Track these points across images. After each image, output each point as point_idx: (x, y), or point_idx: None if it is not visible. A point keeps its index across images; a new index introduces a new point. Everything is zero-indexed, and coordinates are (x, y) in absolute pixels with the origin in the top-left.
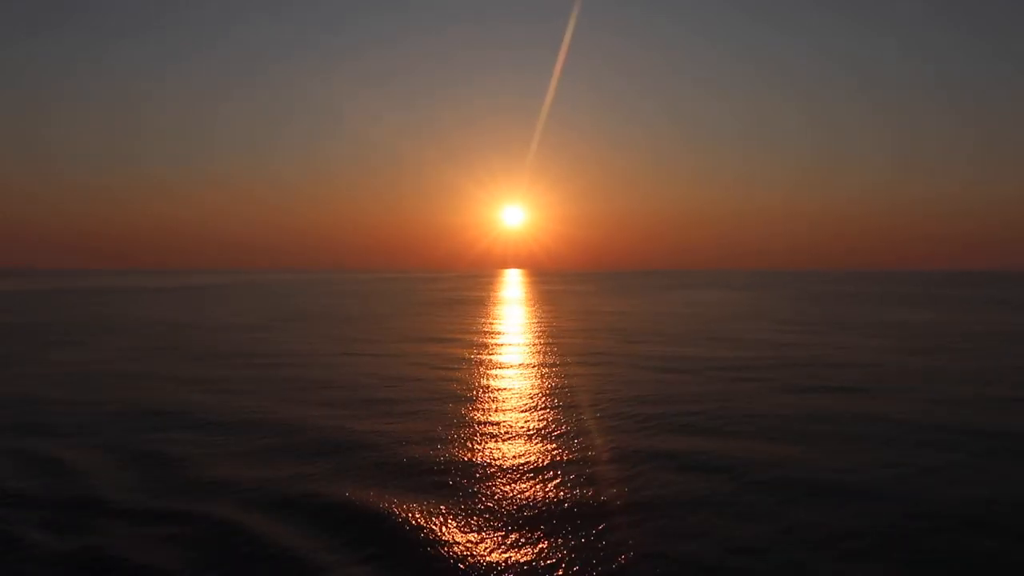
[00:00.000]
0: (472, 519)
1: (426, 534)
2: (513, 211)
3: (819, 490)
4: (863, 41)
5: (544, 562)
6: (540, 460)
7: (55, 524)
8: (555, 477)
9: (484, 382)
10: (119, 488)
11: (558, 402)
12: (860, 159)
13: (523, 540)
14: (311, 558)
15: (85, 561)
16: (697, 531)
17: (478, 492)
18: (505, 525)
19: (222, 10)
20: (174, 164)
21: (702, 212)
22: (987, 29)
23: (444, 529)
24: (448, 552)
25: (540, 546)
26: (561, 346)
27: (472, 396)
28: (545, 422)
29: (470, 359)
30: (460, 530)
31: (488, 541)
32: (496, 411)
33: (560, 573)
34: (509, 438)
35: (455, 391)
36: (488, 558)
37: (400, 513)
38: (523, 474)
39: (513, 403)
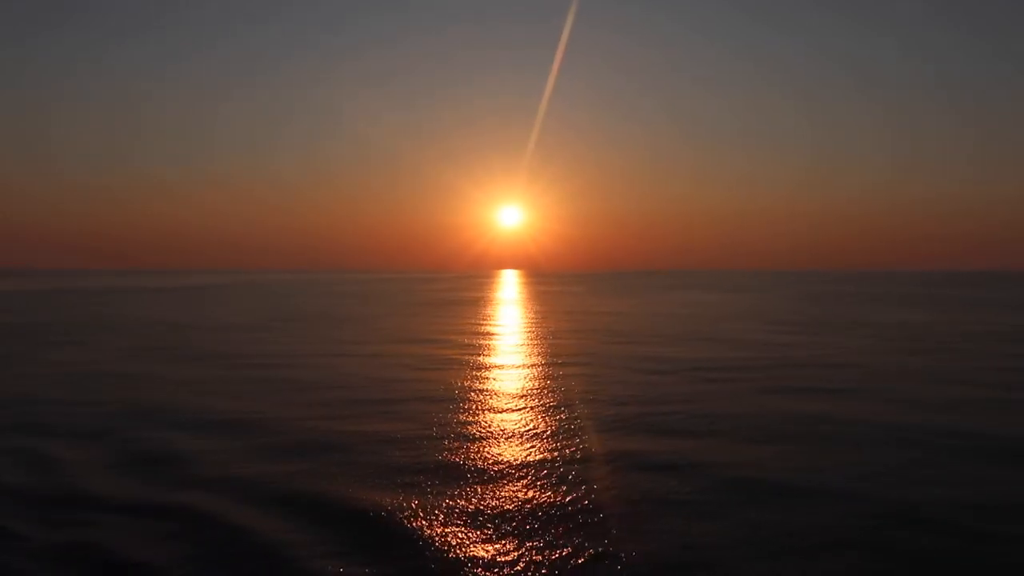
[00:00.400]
0: (436, 517)
1: (394, 530)
2: (510, 211)
3: (783, 490)
4: (862, 40)
5: (502, 560)
6: (508, 461)
7: (47, 519)
8: (522, 478)
9: (467, 384)
10: (111, 484)
11: (537, 404)
12: (860, 159)
13: (482, 538)
14: (285, 551)
15: (77, 555)
16: (658, 531)
17: (444, 492)
18: (465, 524)
19: (222, 10)
20: (174, 164)
21: (702, 212)
22: (987, 29)
23: (411, 526)
24: (412, 549)
25: (499, 545)
26: (549, 347)
27: (453, 397)
28: (520, 424)
29: (457, 361)
30: (426, 528)
31: (448, 539)
32: (473, 412)
33: (518, 570)
34: (480, 439)
35: (437, 393)
36: (448, 555)
37: (371, 509)
38: (488, 475)
39: (491, 404)
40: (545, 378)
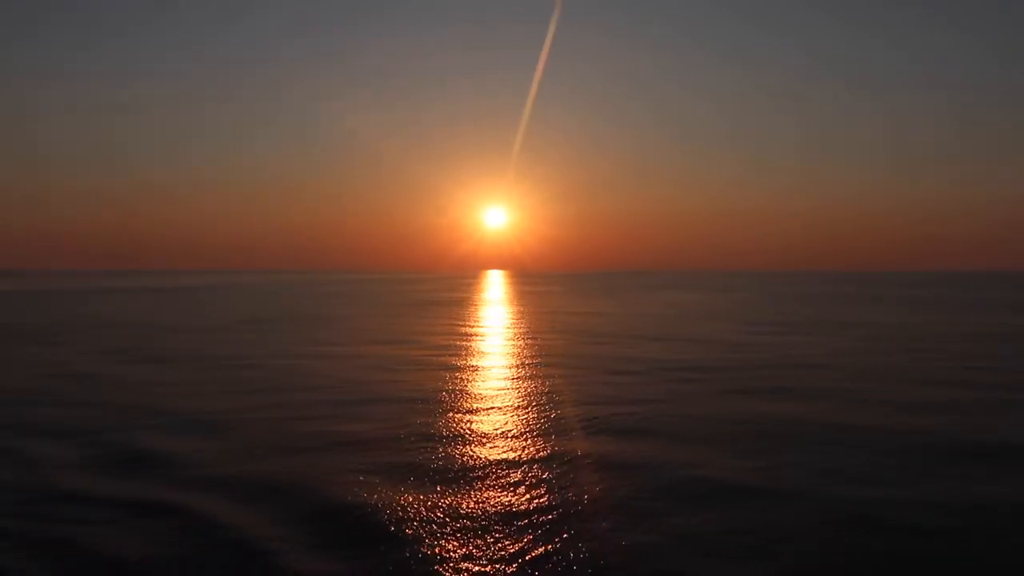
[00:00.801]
0: (384, 516)
1: (345, 530)
2: (496, 212)
3: (732, 491)
4: (852, 41)
5: (439, 564)
6: (458, 463)
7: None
8: (470, 479)
9: (435, 385)
10: (81, 479)
11: (501, 405)
12: (850, 160)
13: (417, 539)
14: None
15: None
16: (601, 531)
17: (395, 492)
18: (407, 523)
19: (205, 11)
20: (161, 165)
21: (690, 212)
22: (978, 28)
23: (362, 525)
24: (365, 547)
25: (437, 548)
26: (523, 348)
27: (418, 399)
28: (479, 425)
29: (429, 362)
30: (375, 527)
31: (392, 537)
32: (434, 414)
33: (451, 570)
34: (436, 440)
35: (402, 394)
36: (388, 552)
37: (323, 508)
38: (437, 476)
39: (455, 406)
40: (513, 379)
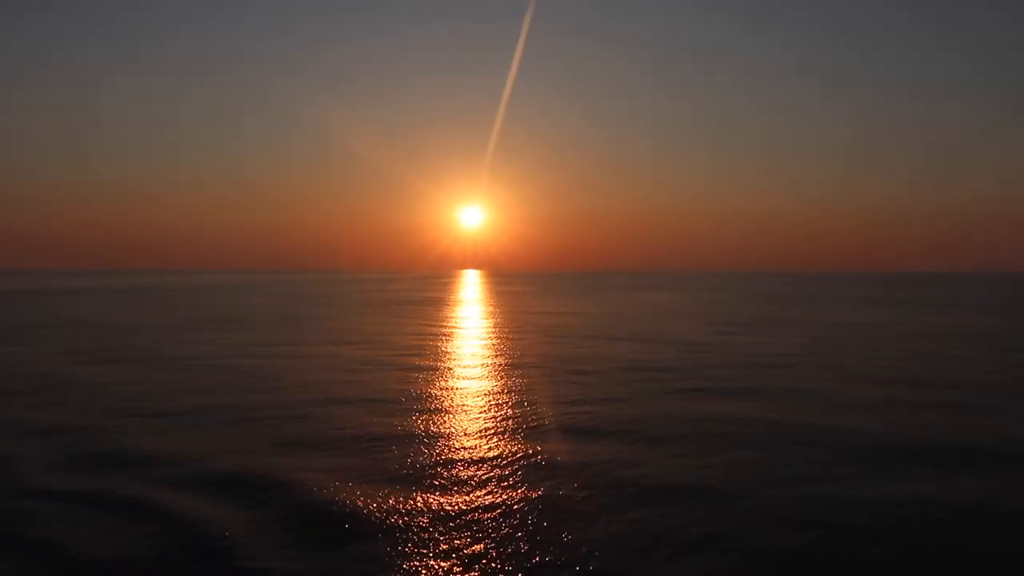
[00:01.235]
0: (319, 520)
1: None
2: (472, 212)
3: (667, 490)
4: (825, 42)
5: (370, 562)
6: (396, 465)
7: None
8: (407, 481)
9: (390, 386)
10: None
11: (450, 406)
12: (823, 160)
13: (347, 540)
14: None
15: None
16: (533, 532)
17: (334, 495)
18: (331, 527)
19: (174, 9)
20: (133, 164)
21: (667, 212)
22: (949, 28)
23: (303, 526)
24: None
25: (368, 548)
26: (487, 348)
27: (370, 399)
28: (429, 426)
29: (389, 363)
30: (314, 529)
31: (320, 541)
32: (386, 414)
33: (385, 571)
34: (383, 441)
35: (354, 394)
36: (301, 560)
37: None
38: (375, 477)
39: (408, 407)
40: (472, 380)
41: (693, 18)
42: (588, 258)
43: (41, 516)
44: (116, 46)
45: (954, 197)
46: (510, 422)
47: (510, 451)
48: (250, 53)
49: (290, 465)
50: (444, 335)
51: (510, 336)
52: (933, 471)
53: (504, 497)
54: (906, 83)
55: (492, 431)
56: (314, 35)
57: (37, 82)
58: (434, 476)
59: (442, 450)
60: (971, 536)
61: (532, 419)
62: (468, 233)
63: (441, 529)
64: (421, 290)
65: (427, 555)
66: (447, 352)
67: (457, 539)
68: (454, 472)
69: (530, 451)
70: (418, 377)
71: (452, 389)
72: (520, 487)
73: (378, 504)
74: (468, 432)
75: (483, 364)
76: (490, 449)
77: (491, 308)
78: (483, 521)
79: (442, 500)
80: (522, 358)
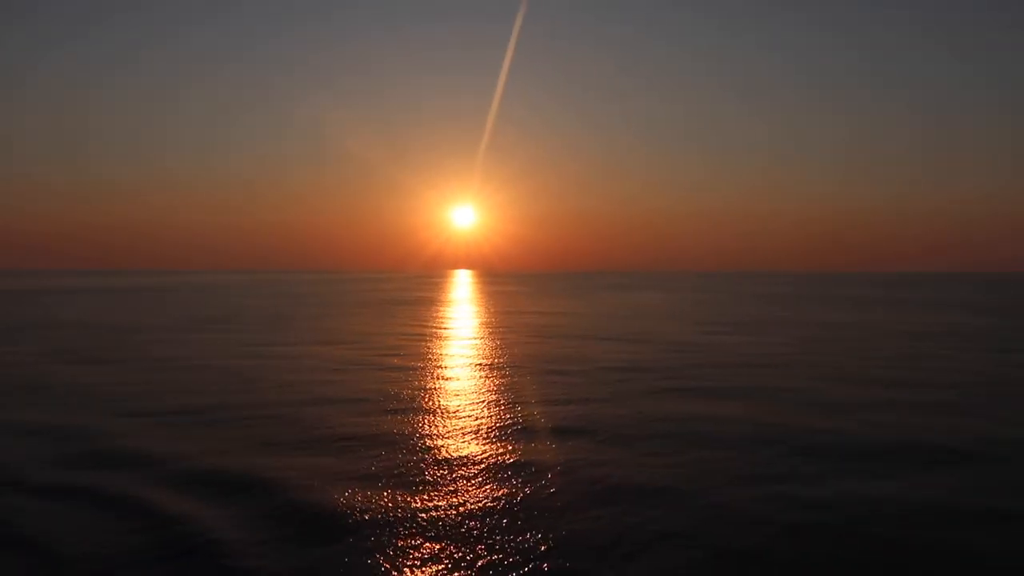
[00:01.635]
0: (282, 520)
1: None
2: (464, 212)
3: (629, 490)
4: (820, 44)
5: (325, 561)
6: (364, 466)
7: None
8: (375, 481)
9: (370, 387)
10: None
11: (427, 406)
12: (817, 161)
13: (323, 539)
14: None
15: None
16: (492, 533)
17: (302, 497)
18: (306, 525)
19: (168, 11)
20: (130, 164)
21: (659, 212)
22: (941, 30)
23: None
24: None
25: (330, 547)
26: (471, 348)
27: (346, 399)
28: (399, 427)
29: (371, 363)
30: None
31: (270, 543)
32: (360, 414)
33: (339, 571)
34: (354, 441)
35: (332, 395)
36: (263, 559)
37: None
38: (342, 478)
39: (383, 407)
40: (453, 380)
41: (685, 20)
42: (581, 258)
43: (17, 513)
44: (112, 47)
45: (953, 197)
46: (485, 422)
47: (481, 451)
48: (245, 53)
49: (266, 465)
50: (431, 335)
51: (496, 336)
52: (899, 470)
53: (467, 496)
54: (905, 83)
55: (466, 431)
56: (308, 35)
57: (28, 83)
58: (401, 475)
59: (412, 450)
60: (927, 535)
61: (507, 419)
62: (461, 233)
63: (402, 528)
64: (413, 290)
65: (389, 554)
66: (431, 353)
67: (416, 538)
68: (421, 472)
69: (501, 451)
70: (399, 377)
71: (432, 389)
72: (485, 486)
73: (347, 502)
74: (441, 432)
75: (465, 364)
76: (460, 449)
77: (480, 308)
78: (442, 520)
79: (407, 499)
80: (505, 358)
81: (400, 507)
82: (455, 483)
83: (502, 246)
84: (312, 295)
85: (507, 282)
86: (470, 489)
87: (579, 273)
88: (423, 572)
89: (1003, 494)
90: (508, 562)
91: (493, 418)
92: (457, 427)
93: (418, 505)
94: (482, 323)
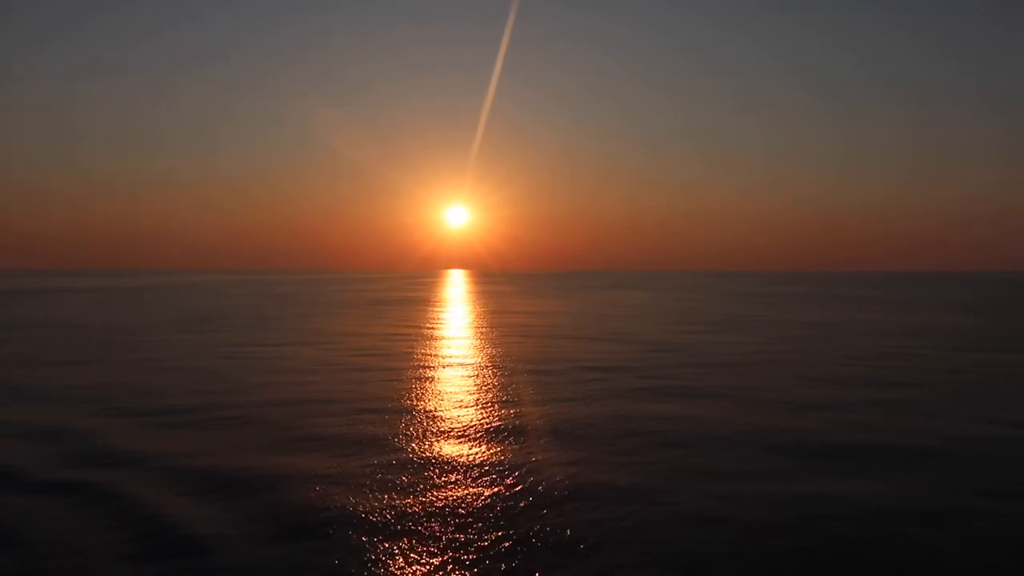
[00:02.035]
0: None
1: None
2: (458, 211)
3: (589, 491)
4: (811, 44)
5: (308, 561)
6: (331, 465)
7: None
8: (339, 482)
9: (343, 388)
10: None
11: (398, 406)
12: (810, 161)
13: (270, 538)
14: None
15: None
16: (450, 534)
17: (256, 498)
18: (258, 525)
19: (156, 10)
20: (115, 164)
21: (654, 212)
22: (934, 32)
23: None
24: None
25: (308, 543)
26: (450, 348)
27: (319, 400)
28: (365, 428)
29: (347, 364)
30: (220, 537)
31: (229, 542)
32: (330, 415)
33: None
34: (311, 442)
35: (298, 396)
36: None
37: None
38: (302, 478)
39: (355, 407)
40: (427, 379)
41: (680, 18)
42: (575, 258)
43: None
44: (100, 45)
45: (947, 197)
46: (458, 422)
47: (452, 451)
48: (235, 52)
49: (241, 464)
50: (415, 335)
51: (479, 336)
52: (857, 469)
53: (435, 496)
54: (898, 84)
55: (439, 432)
56: (298, 33)
57: (15, 81)
58: (371, 475)
59: (384, 450)
60: (878, 532)
61: (479, 420)
62: (454, 233)
63: (353, 530)
64: (404, 290)
65: (356, 551)
66: (412, 353)
67: (380, 535)
68: (393, 472)
69: (471, 451)
70: (375, 378)
71: (403, 389)
72: (454, 486)
73: (321, 501)
74: (405, 433)
75: (445, 364)
76: (431, 449)
77: (468, 308)
78: (409, 518)
79: (377, 498)
80: (485, 358)
81: (368, 506)
82: (423, 483)
83: (496, 246)
84: (300, 295)
85: (500, 282)
86: (438, 489)
87: (573, 273)
88: (389, 570)
89: (962, 492)
90: (470, 559)
91: (466, 418)
92: (430, 428)
93: (385, 503)
94: (467, 323)
